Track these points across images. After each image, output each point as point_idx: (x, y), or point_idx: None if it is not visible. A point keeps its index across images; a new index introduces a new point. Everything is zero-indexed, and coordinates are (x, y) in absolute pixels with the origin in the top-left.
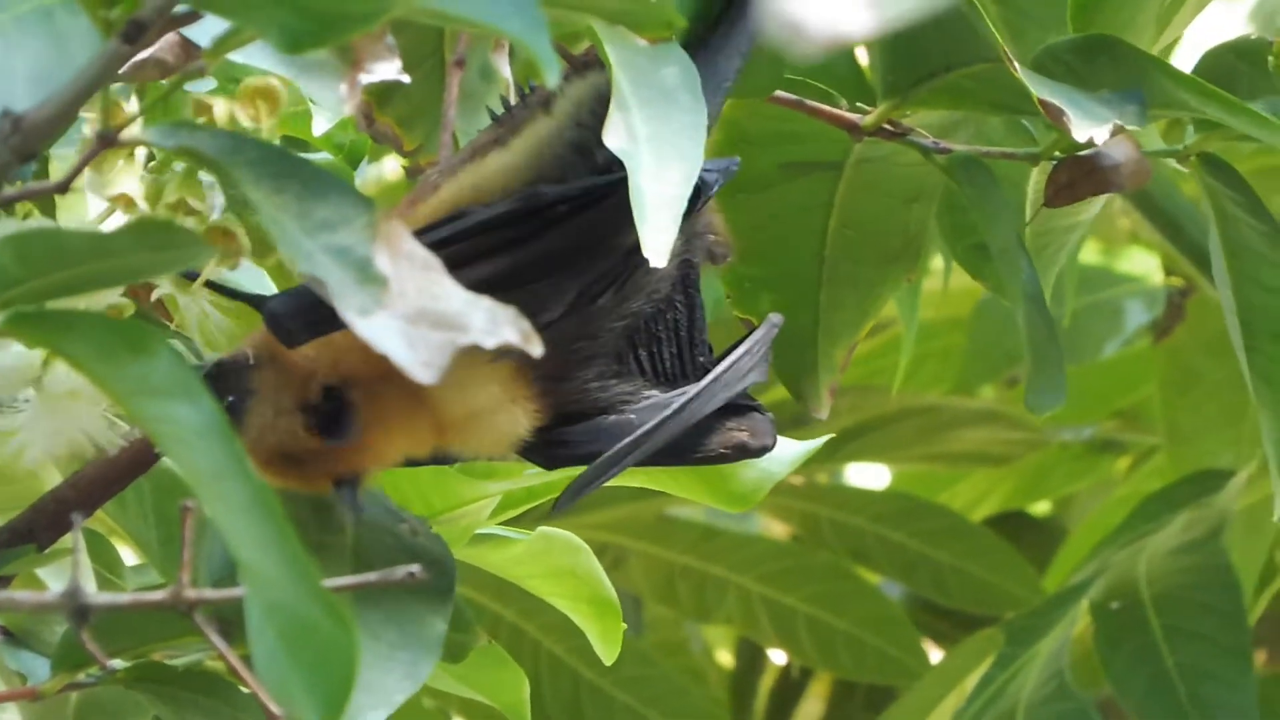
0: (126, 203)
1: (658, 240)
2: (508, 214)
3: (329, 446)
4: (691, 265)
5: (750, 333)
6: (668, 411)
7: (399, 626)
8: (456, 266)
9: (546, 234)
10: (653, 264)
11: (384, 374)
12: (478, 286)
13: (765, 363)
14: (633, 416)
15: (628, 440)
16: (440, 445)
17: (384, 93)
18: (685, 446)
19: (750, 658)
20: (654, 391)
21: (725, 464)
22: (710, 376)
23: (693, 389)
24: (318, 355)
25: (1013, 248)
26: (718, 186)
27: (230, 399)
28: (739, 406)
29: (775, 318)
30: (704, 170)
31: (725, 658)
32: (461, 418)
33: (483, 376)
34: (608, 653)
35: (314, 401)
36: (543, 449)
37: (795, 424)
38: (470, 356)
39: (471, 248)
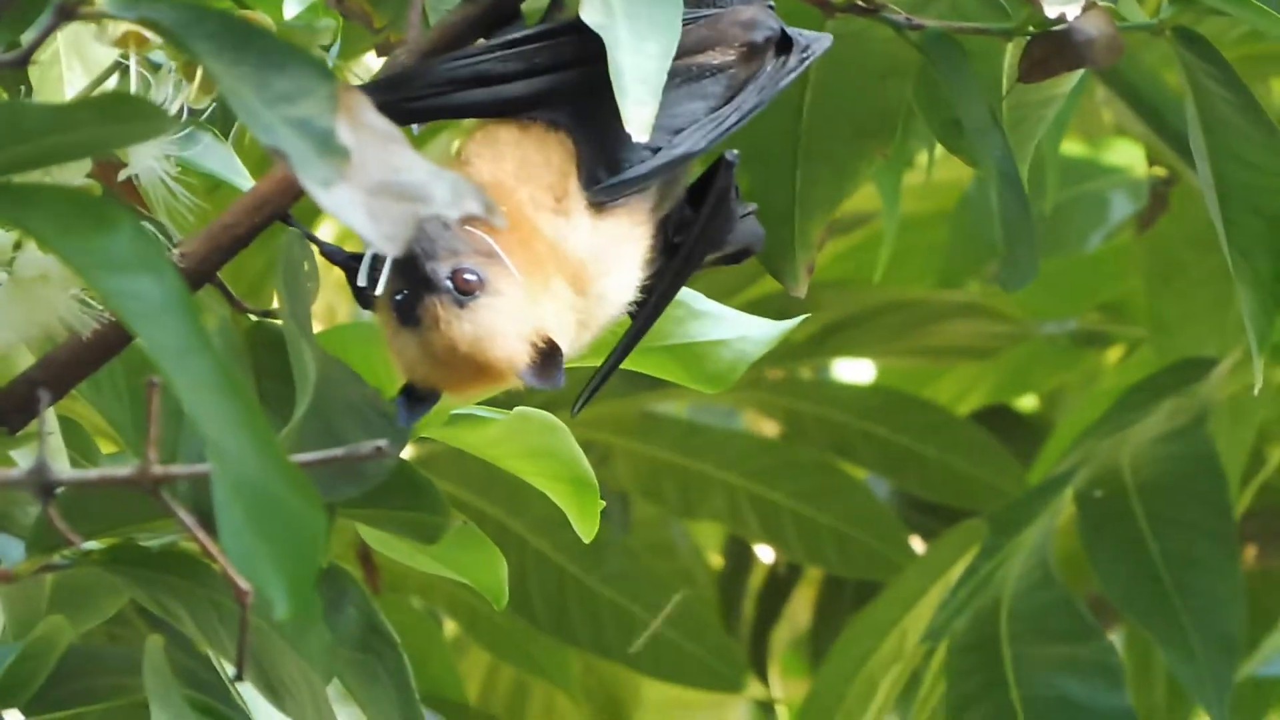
0: (137, 40)
1: (639, 114)
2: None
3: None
4: None
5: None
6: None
7: None
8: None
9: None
10: (635, 138)
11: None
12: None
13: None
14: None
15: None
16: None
17: None
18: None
19: (738, 558)
20: None
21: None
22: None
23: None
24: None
25: (986, 124)
26: (812, 59)
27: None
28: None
29: (730, 155)
30: (799, 34)
31: (714, 559)
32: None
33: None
34: (585, 530)
35: (537, 343)
36: None
37: (779, 318)
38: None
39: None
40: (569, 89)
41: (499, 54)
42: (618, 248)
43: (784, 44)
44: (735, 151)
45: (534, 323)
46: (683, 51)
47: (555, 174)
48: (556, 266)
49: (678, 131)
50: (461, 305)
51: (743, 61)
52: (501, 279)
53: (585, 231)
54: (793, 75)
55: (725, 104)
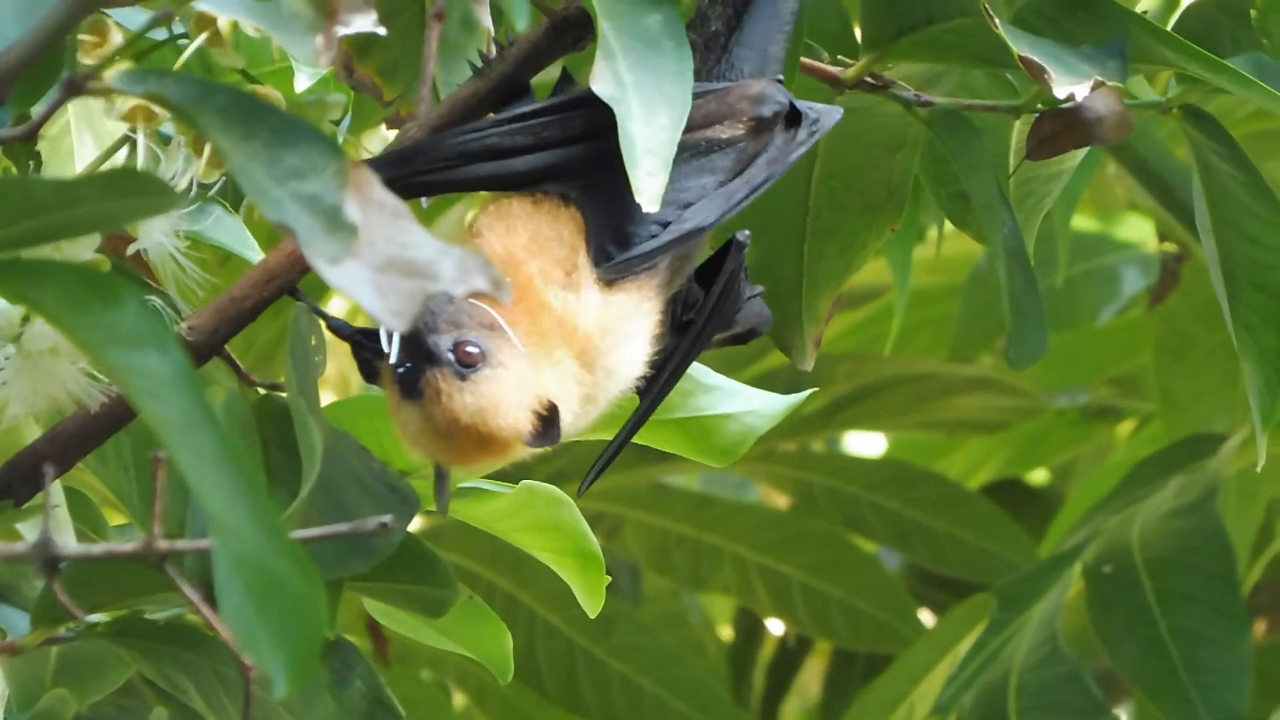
0: (146, 115)
1: (649, 184)
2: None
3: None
4: None
5: (723, 260)
6: (661, 381)
7: None
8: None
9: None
10: (645, 209)
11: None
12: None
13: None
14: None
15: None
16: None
17: (364, 44)
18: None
19: (749, 630)
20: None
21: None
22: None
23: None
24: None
25: (994, 199)
26: (821, 133)
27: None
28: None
29: (741, 236)
30: (809, 107)
31: (725, 631)
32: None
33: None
34: (591, 605)
35: (539, 409)
36: None
37: (789, 391)
38: None
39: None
40: (578, 163)
41: (508, 128)
42: (626, 323)
43: (793, 117)
44: (746, 232)
45: (536, 391)
46: (692, 125)
47: (566, 248)
48: (563, 339)
49: (687, 206)
50: (463, 378)
51: (751, 135)
52: (504, 350)
53: (594, 306)
54: (802, 149)
55: (735, 178)
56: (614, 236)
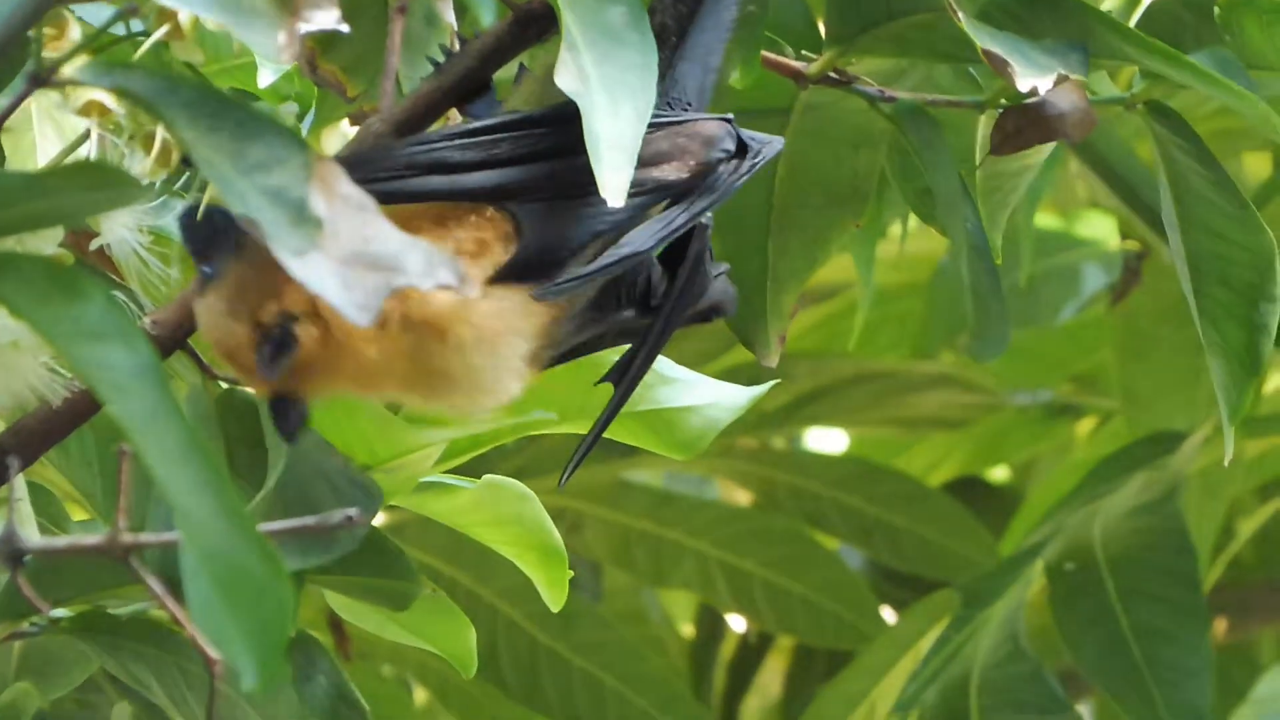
0: (100, 110)
1: (614, 179)
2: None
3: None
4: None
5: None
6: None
7: None
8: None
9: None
10: (610, 203)
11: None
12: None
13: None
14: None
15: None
16: (406, 401)
17: (328, 40)
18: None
19: (710, 627)
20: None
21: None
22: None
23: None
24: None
25: (957, 196)
26: (762, 163)
27: (205, 267)
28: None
29: (704, 218)
30: (751, 137)
31: (686, 628)
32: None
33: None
34: (554, 599)
35: (266, 322)
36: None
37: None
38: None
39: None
40: (526, 183)
41: (459, 142)
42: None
43: (739, 149)
44: (709, 214)
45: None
46: (640, 162)
47: (473, 244)
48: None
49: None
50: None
51: (698, 176)
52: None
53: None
54: (744, 179)
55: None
56: (547, 256)
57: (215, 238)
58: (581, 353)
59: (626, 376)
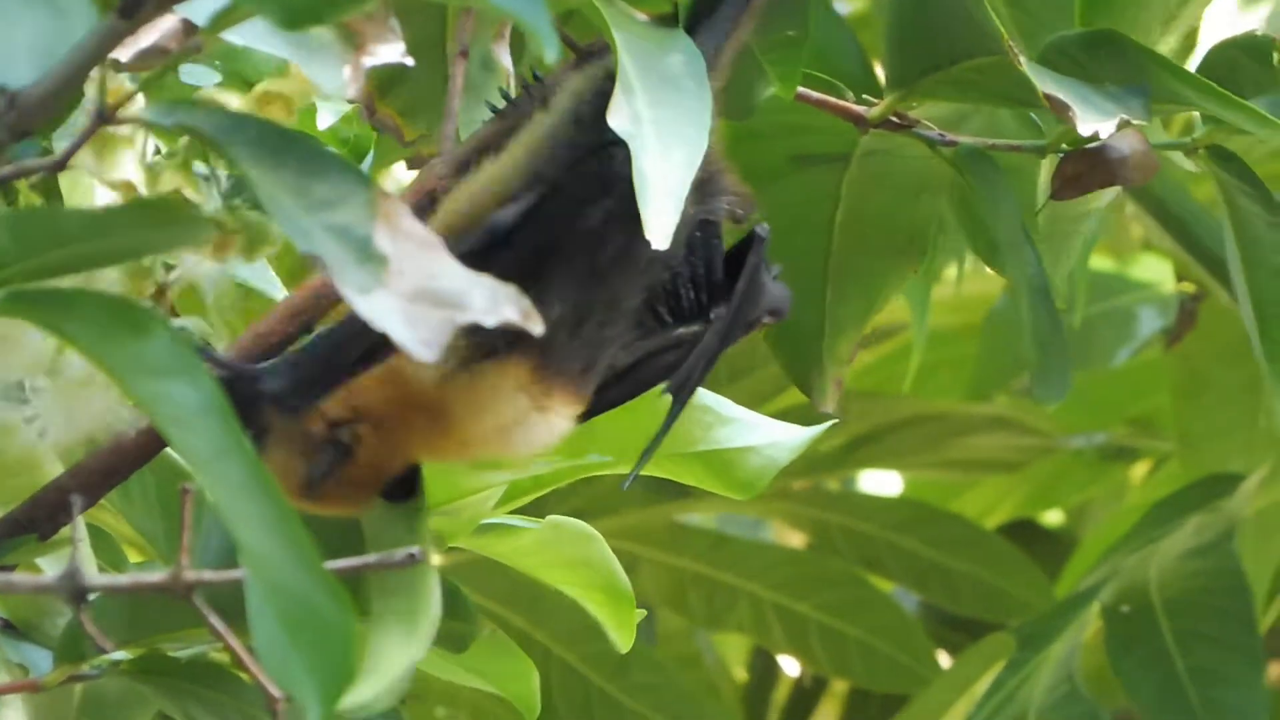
0: (127, 188)
1: (660, 223)
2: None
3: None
4: (711, 223)
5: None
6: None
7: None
8: None
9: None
10: (655, 246)
11: (394, 399)
12: None
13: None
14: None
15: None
16: (470, 458)
17: (386, 83)
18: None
19: (764, 671)
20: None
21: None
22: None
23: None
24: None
25: (1019, 240)
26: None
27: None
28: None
29: (760, 230)
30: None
31: (739, 671)
32: (486, 433)
33: (498, 390)
34: (623, 640)
35: (319, 440)
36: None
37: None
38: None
39: None
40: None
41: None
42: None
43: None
44: (765, 225)
45: None
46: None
47: None
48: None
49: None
50: None
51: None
52: None
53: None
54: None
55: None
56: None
57: (244, 407)
58: (641, 372)
59: (685, 387)
